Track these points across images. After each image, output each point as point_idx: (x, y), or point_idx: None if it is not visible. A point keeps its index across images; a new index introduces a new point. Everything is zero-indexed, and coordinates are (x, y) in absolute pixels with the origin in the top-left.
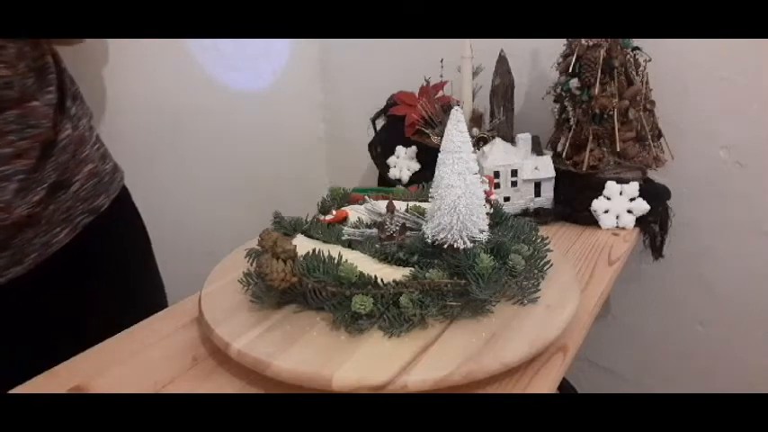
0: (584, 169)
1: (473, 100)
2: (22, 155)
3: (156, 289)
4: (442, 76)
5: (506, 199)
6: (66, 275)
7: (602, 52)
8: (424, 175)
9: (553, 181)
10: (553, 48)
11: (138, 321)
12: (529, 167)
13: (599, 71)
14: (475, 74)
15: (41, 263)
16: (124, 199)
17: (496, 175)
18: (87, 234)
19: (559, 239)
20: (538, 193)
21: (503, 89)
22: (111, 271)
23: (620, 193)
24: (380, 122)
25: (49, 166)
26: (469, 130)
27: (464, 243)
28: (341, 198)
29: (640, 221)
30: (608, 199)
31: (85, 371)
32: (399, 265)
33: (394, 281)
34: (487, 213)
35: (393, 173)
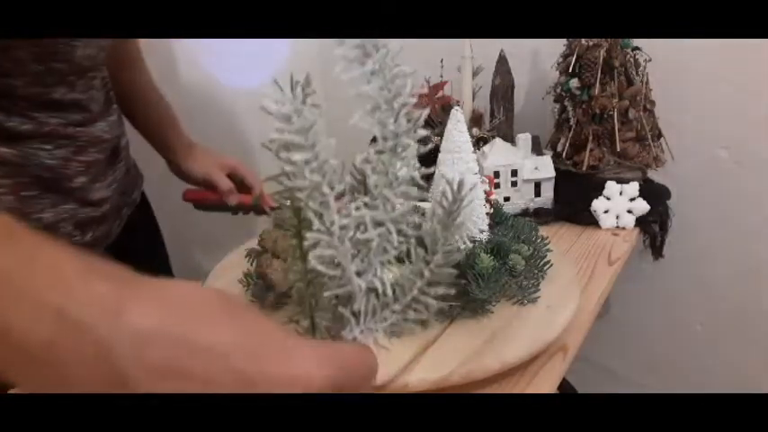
0: (584, 169)
1: (473, 100)
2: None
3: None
4: (441, 76)
5: (506, 199)
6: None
7: (602, 52)
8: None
9: (553, 181)
10: (553, 48)
11: None
12: (529, 167)
13: (599, 71)
14: (475, 74)
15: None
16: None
17: (496, 175)
18: (130, 226)
19: (559, 239)
20: (538, 193)
21: (503, 89)
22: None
23: (620, 193)
24: None
25: (119, 164)
26: (469, 130)
27: (464, 243)
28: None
29: (640, 221)
30: (608, 199)
31: None
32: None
33: None
34: (487, 213)
35: None
